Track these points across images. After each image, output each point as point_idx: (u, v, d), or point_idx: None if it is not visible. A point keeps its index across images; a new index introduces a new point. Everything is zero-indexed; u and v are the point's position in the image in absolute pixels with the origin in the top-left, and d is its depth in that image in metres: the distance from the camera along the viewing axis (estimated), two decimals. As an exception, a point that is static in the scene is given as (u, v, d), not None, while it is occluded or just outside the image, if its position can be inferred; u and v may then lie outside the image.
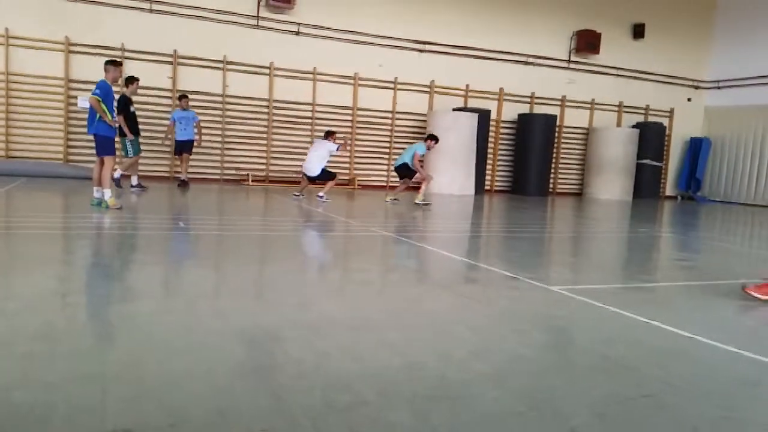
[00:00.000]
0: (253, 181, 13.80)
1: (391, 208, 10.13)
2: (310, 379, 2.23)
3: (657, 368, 2.62)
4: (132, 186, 10.39)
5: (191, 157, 11.95)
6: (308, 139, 14.06)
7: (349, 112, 14.74)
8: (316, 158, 10.21)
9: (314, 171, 10.20)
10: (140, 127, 10.47)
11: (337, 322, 3.04)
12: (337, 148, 10.48)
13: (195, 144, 11.67)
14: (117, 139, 8.64)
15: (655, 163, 17.57)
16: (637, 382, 2.43)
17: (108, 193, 7.45)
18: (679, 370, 2.61)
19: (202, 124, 13.40)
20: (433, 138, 11.14)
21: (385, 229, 7.30)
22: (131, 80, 10.20)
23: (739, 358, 2.81)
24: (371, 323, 3.06)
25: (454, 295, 3.94)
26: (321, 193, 10.30)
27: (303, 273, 4.60)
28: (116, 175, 10.17)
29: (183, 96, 11.55)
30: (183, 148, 11.53)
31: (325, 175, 10.29)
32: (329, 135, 10.61)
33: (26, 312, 2.95)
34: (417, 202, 10.63)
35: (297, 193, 10.85)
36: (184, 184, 11.60)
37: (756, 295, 3.90)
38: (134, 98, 10.36)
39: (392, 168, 12.95)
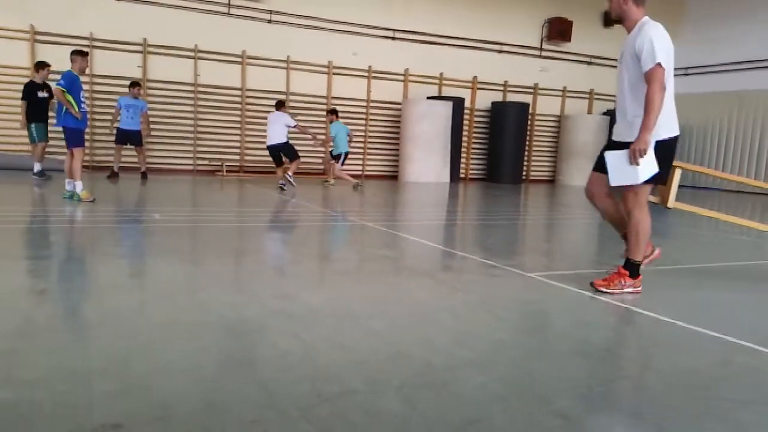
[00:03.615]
0: (227, 171, 13.65)
1: (368, 198, 10.13)
2: (297, 369, 2.25)
3: (634, 350, 2.70)
4: (33, 173, 9.95)
5: (162, 147, 11.71)
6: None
7: (324, 101, 14.65)
8: (278, 131, 10.41)
9: (281, 139, 10.38)
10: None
11: (320, 312, 3.05)
12: (295, 125, 10.68)
13: (143, 135, 11.05)
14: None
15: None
16: (616, 365, 2.51)
17: (80, 186, 7.31)
18: (655, 352, 2.69)
19: (173, 114, 13.25)
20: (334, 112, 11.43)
21: (361, 218, 7.31)
22: (41, 65, 9.94)
23: (712, 339, 2.91)
24: (355, 312, 3.08)
25: (435, 283, 3.98)
26: (287, 176, 10.36)
27: (283, 263, 4.59)
28: (37, 168, 9.90)
29: (135, 83, 10.90)
30: (128, 138, 10.81)
31: (291, 152, 10.48)
32: (280, 106, 10.81)
33: (3, 308, 2.90)
34: (329, 182, 11.48)
35: (281, 183, 10.66)
36: (142, 176, 11.11)
37: (604, 290, 3.68)
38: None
39: (364, 155, 13.04)
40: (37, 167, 10.01)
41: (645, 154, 3.41)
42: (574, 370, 2.43)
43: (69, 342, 2.49)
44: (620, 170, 3.52)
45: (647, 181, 3.56)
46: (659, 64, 3.38)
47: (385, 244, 5.56)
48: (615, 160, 3.57)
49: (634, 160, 3.43)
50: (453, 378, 2.25)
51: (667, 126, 3.57)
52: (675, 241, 6.69)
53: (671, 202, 4.10)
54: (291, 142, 10.81)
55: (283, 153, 10.69)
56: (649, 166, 3.48)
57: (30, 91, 9.79)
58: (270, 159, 11.13)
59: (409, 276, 4.20)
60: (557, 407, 2.02)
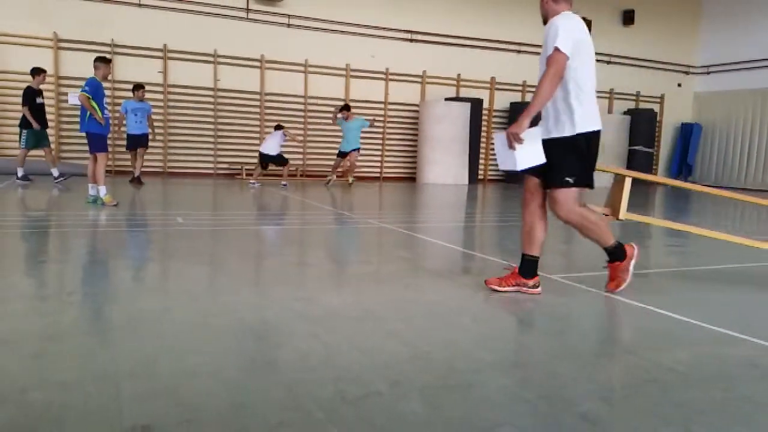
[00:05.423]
0: (246, 174, 13.76)
1: (386, 200, 10.15)
2: (320, 372, 2.26)
3: (658, 352, 2.67)
4: (54, 179, 10.04)
5: (183, 150, 11.86)
6: (301, 132, 14.12)
7: (342, 103, 14.70)
8: (274, 144, 11.98)
9: (274, 151, 11.94)
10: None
11: (341, 314, 3.07)
12: (285, 138, 12.26)
13: (150, 138, 11.10)
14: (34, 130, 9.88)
15: (646, 149, 17.67)
16: (640, 367, 2.48)
17: (103, 190, 7.44)
18: (679, 354, 2.66)
19: (194, 119, 13.41)
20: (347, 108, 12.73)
21: (380, 220, 7.33)
22: (37, 72, 10.06)
23: (735, 341, 2.87)
24: (375, 314, 3.09)
25: (454, 285, 3.97)
26: (283, 182, 12.11)
27: (302, 265, 4.62)
28: (20, 173, 10.01)
29: (138, 86, 10.79)
30: (138, 142, 10.84)
31: (281, 159, 12.07)
32: (281, 128, 12.31)
33: (33, 312, 2.96)
34: (349, 182, 12.77)
35: (253, 182, 12.00)
36: (137, 181, 10.80)
37: (497, 288, 3.61)
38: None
39: (383, 157, 13.38)
40: (20, 172, 10.05)
41: (518, 139, 3.26)
42: (599, 372, 2.41)
43: (97, 344, 2.54)
44: (502, 154, 3.39)
45: (571, 184, 3.40)
46: (557, 49, 3.21)
47: (404, 246, 5.56)
48: (499, 142, 3.42)
49: (509, 145, 3.29)
50: (476, 380, 2.25)
51: (588, 119, 3.36)
52: (684, 241, 6.61)
53: (623, 214, 3.95)
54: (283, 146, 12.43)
55: (273, 162, 12.09)
56: (531, 155, 3.31)
57: (30, 96, 9.91)
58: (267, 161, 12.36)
59: (428, 278, 4.20)
60: (583, 410, 2.01)
